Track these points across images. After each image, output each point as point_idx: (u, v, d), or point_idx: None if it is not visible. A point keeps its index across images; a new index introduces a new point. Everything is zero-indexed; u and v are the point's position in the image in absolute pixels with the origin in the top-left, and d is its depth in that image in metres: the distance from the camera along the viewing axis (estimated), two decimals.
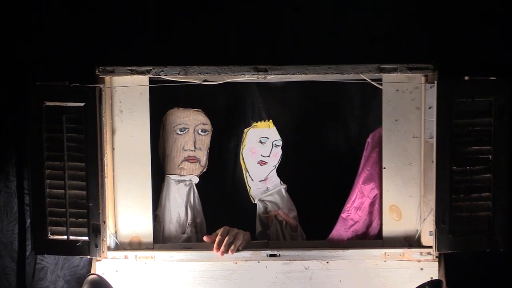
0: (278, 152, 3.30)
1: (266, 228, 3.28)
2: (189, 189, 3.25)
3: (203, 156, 3.27)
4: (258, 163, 3.30)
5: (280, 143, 3.29)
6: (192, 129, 3.25)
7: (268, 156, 3.29)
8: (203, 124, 3.26)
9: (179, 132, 3.25)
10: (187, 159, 3.26)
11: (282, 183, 3.32)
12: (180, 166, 3.26)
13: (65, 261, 3.27)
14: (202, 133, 3.26)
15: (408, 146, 3.09)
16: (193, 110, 3.25)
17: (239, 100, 3.30)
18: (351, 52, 3.20)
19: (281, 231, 3.24)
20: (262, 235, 3.28)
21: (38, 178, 3.00)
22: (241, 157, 3.30)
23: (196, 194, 3.26)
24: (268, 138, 3.29)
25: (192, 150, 3.26)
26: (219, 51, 3.22)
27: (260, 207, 3.30)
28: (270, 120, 3.28)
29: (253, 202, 3.32)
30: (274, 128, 3.29)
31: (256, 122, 3.29)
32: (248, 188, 3.31)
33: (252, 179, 3.31)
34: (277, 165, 3.31)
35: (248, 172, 3.30)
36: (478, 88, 2.94)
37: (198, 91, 3.19)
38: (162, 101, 3.20)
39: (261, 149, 3.29)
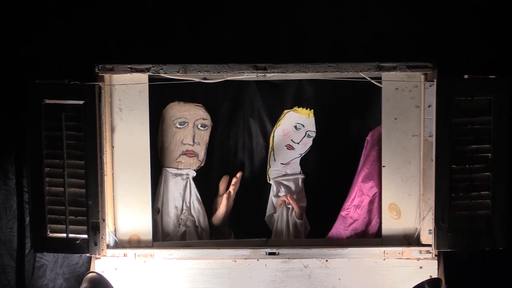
0: (308, 142, 3.30)
1: (274, 212, 3.29)
2: (186, 183, 3.26)
3: (201, 151, 3.28)
4: (286, 146, 3.30)
5: (314, 134, 3.29)
6: (192, 124, 3.26)
7: (298, 143, 3.30)
8: (203, 119, 3.26)
9: (179, 126, 3.25)
10: (185, 153, 3.27)
11: (301, 172, 3.32)
12: (177, 160, 3.27)
13: (64, 259, 3.27)
14: (202, 128, 3.26)
15: (408, 145, 3.09)
16: (194, 104, 3.26)
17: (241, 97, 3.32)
18: (351, 50, 3.20)
19: (286, 216, 3.25)
20: (270, 219, 3.29)
21: (37, 176, 3.01)
22: (272, 135, 3.31)
23: (194, 188, 3.27)
24: (303, 126, 3.29)
25: (190, 145, 3.26)
26: (219, 49, 3.21)
27: (274, 189, 3.31)
28: (312, 110, 3.28)
29: (268, 181, 3.32)
30: (313, 118, 3.28)
31: (299, 107, 3.29)
32: (268, 166, 3.32)
33: (274, 159, 3.31)
34: (304, 154, 3.31)
35: (273, 152, 3.31)
36: (477, 87, 2.95)
37: (203, 86, 3.21)
38: (163, 95, 3.20)
39: (293, 134, 3.30)
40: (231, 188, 3.22)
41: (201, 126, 3.27)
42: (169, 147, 3.26)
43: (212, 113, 3.28)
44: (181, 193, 3.25)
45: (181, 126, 3.26)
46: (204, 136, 3.28)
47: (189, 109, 3.26)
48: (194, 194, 3.27)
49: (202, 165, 3.29)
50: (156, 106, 3.21)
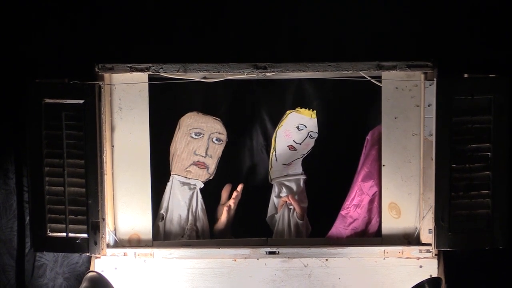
0: (310, 143, 3.30)
1: (276, 212, 3.29)
2: (193, 193, 3.25)
3: (212, 164, 3.28)
4: (288, 147, 3.30)
5: (316, 135, 3.29)
6: (207, 136, 3.26)
7: (300, 144, 3.30)
8: (219, 133, 3.27)
9: (194, 136, 3.26)
10: (196, 164, 3.27)
11: (303, 173, 3.32)
12: (187, 169, 3.27)
13: (64, 258, 3.27)
14: (216, 142, 3.27)
15: (408, 144, 3.09)
16: (212, 117, 3.27)
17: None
18: (351, 50, 3.20)
19: (287, 217, 3.24)
20: (271, 220, 3.29)
21: (37, 175, 3.01)
22: (274, 135, 3.30)
23: (200, 199, 3.26)
24: (306, 127, 3.29)
25: (202, 156, 3.26)
26: (219, 49, 3.22)
27: (275, 189, 3.31)
28: (314, 111, 3.28)
29: (270, 182, 3.32)
30: (315, 119, 3.28)
31: (301, 108, 3.29)
32: (269, 167, 3.32)
33: (276, 160, 3.31)
34: (305, 155, 3.31)
35: (275, 152, 3.31)
36: (477, 86, 2.95)
37: (203, 86, 3.22)
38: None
39: (295, 135, 3.30)
40: (231, 202, 3.21)
41: (216, 140, 3.27)
42: (181, 155, 3.26)
43: (228, 129, 3.28)
44: (187, 202, 3.25)
45: (196, 137, 3.26)
46: (217, 150, 3.28)
47: (206, 121, 3.27)
48: (200, 205, 3.26)
49: (211, 178, 3.29)
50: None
